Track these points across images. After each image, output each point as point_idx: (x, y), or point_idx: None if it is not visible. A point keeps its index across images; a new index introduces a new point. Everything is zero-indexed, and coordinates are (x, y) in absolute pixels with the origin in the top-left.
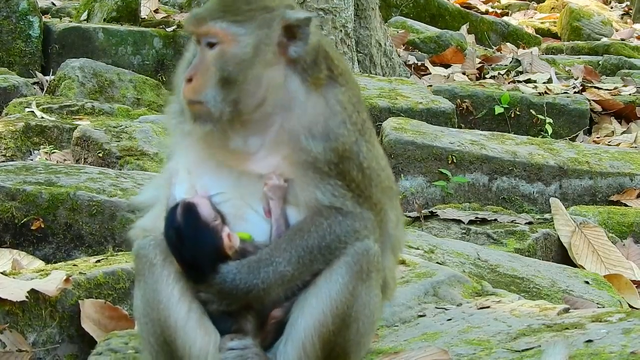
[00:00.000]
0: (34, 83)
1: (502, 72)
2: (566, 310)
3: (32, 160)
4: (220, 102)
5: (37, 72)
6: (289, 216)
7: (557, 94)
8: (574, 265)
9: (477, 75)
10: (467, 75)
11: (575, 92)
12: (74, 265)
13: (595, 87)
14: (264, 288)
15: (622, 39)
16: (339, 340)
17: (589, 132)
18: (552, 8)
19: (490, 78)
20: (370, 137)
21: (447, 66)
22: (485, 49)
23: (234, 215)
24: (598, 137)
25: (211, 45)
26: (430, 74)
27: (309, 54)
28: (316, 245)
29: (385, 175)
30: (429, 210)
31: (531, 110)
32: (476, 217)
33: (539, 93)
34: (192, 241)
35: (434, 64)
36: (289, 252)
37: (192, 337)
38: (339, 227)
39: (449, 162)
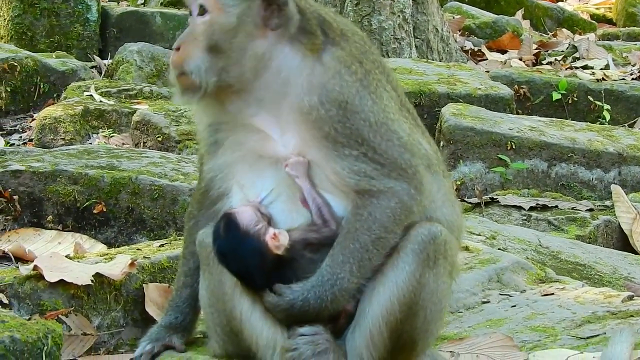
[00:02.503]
0: (92, 67)
1: (559, 58)
2: (630, 298)
3: (90, 143)
4: (204, 72)
5: (95, 55)
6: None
7: (615, 80)
8: (635, 252)
9: (534, 61)
10: (524, 61)
11: (632, 79)
12: (138, 249)
13: None
14: (334, 307)
15: None
16: (406, 328)
17: None
18: None
19: (546, 64)
20: (376, 89)
21: (503, 52)
22: (541, 35)
23: (289, 209)
24: None
25: (201, 12)
26: (486, 59)
27: (293, 24)
28: (368, 240)
29: (406, 132)
30: (489, 196)
31: (589, 97)
32: (537, 204)
33: (596, 79)
34: (235, 253)
35: (490, 49)
36: (348, 262)
37: (258, 329)
38: (378, 212)
39: (508, 148)
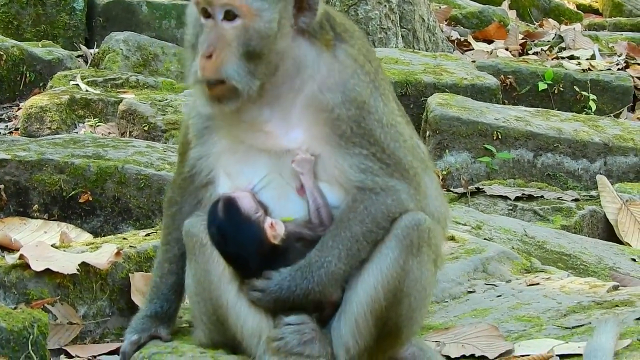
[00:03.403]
0: (78, 56)
1: (545, 48)
2: (616, 288)
3: (77, 133)
4: (246, 77)
5: (81, 45)
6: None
7: (601, 70)
8: (621, 242)
9: (520, 51)
10: (510, 51)
11: (618, 69)
12: (124, 238)
13: (639, 64)
14: (320, 290)
15: None
16: (391, 315)
17: (632, 109)
18: None
19: (533, 54)
20: (384, 91)
21: (489, 42)
22: (527, 25)
23: (278, 196)
24: None
25: (229, 18)
26: (473, 49)
27: (317, 22)
28: (359, 232)
29: (408, 135)
30: (475, 186)
31: (575, 87)
32: (522, 194)
33: (582, 70)
34: (235, 237)
35: (476, 39)
36: (336, 248)
37: (243, 317)
38: (374, 207)
39: (494, 138)
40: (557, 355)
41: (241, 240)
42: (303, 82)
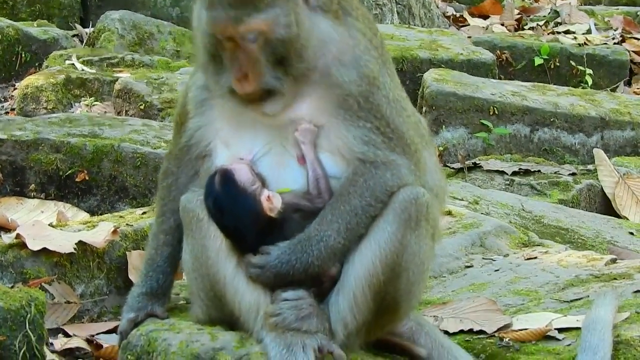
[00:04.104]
0: (74, 35)
1: (541, 23)
2: (613, 261)
3: (73, 112)
4: (283, 77)
5: (76, 24)
6: (324, 164)
7: (597, 45)
8: (618, 216)
9: (516, 26)
10: (506, 27)
11: (614, 43)
12: (121, 217)
13: (635, 38)
14: (319, 264)
15: None
16: (389, 290)
17: (628, 84)
18: None
19: (528, 29)
20: (390, 65)
21: (485, 17)
22: (523, 0)
23: (277, 164)
24: (638, 88)
25: (253, 40)
26: (468, 25)
27: None
28: (358, 205)
29: (411, 110)
30: (472, 161)
31: (571, 62)
32: (519, 168)
33: (578, 44)
34: (231, 209)
35: (472, 15)
36: (336, 222)
37: (241, 292)
38: (373, 180)
39: (491, 113)
40: (555, 328)
41: (238, 213)
42: (317, 57)
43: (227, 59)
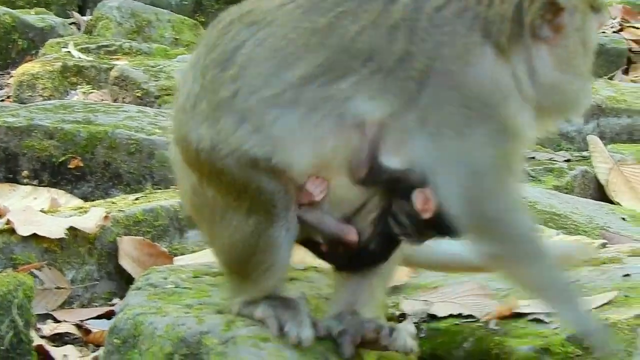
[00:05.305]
0: (71, 23)
1: None
2: (604, 246)
3: (69, 100)
4: None
5: (74, 12)
6: None
7: None
8: (612, 202)
9: None
10: None
11: (613, 32)
12: (113, 202)
13: (633, 27)
14: None
15: None
16: None
17: (626, 72)
18: None
19: None
20: None
21: None
22: None
23: None
24: (636, 77)
25: None
26: None
27: None
28: None
29: None
30: None
31: None
32: None
33: None
34: None
35: None
36: None
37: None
38: None
39: None
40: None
41: None
42: None
43: None
